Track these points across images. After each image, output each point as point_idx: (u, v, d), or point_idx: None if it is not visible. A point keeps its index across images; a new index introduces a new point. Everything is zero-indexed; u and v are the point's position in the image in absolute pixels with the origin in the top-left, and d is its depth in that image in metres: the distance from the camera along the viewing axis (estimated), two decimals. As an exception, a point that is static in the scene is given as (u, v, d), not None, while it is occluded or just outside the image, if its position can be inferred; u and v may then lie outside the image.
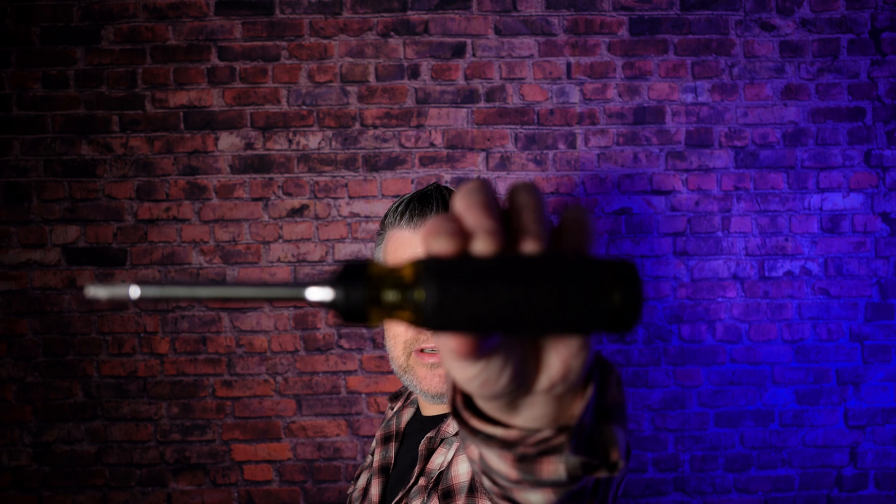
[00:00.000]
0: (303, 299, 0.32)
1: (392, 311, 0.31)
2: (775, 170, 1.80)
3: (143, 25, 1.75)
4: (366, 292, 0.31)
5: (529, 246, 0.31)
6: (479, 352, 0.31)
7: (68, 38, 1.75)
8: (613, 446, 0.42)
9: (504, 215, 0.33)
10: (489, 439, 0.38)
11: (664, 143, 1.79)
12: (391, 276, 0.32)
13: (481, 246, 0.30)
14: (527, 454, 0.39)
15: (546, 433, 0.37)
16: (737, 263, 1.81)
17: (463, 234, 0.31)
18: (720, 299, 1.81)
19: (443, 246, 0.30)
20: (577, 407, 0.38)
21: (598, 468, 0.41)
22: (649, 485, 1.81)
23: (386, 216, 0.89)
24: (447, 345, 0.31)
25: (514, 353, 0.34)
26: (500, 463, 0.41)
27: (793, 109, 1.80)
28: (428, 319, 0.30)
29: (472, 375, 0.33)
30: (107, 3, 1.75)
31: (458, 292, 0.30)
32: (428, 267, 0.30)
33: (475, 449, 0.44)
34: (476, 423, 0.39)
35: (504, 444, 0.38)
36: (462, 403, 0.40)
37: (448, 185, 1.76)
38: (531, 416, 0.37)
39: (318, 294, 0.32)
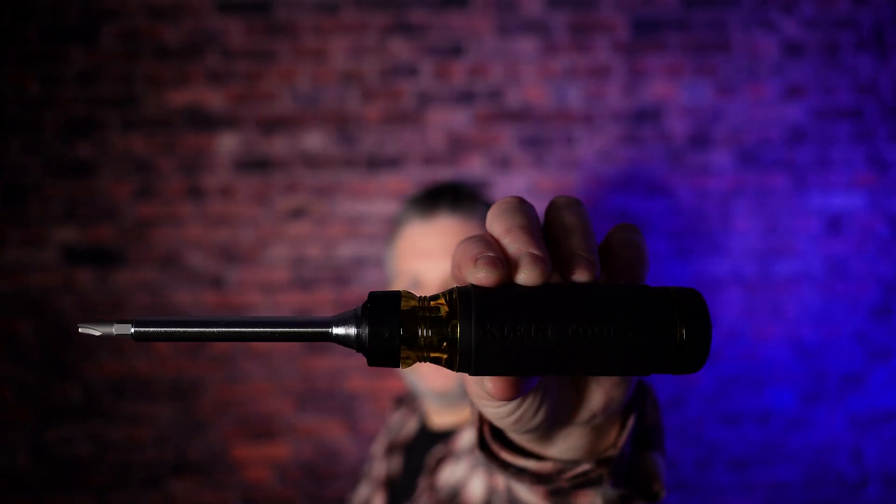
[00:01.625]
0: (328, 338, 0.28)
1: (426, 352, 0.27)
2: (776, 170, 1.80)
3: (143, 25, 1.75)
4: (397, 330, 0.27)
5: (580, 275, 0.27)
6: (520, 394, 0.27)
7: (67, 37, 1.75)
8: (654, 477, 0.38)
9: (546, 237, 0.29)
10: (521, 472, 0.35)
11: (664, 143, 1.79)
12: (425, 311, 0.27)
13: (526, 276, 0.26)
14: (561, 488, 0.35)
15: (585, 467, 0.34)
16: (737, 263, 1.81)
17: (504, 262, 0.26)
18: (720, 299, 1.81)
19: (482, 276, 0.26)
20: (617, 437, 0.34)
21: (636, 499, 0.37)
22: (649, 485, 1.81)
23: (398, 217, 0.88)
24: (485, 387, 0.27)
25: (552, 388, 0.30)
26: (530, 496, 0.37)
27: (794, 109, 1.80)
28: (465, 362, 0.26)
29: (506, 413, 0.30)
30: (106, 3, 1.74)
31: (501, 332, 0.25)
32: (465, 301, 0.26)
33: (502, 480, 0.40)
34: (507, 457, 0.35)
35: (538, 478, 0.34)
36: (490, 435, 0.36)
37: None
38: (566, 446, 0.34)
39: (344, 332, 0.27)
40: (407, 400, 1.02)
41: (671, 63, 1.79)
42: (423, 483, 0.78)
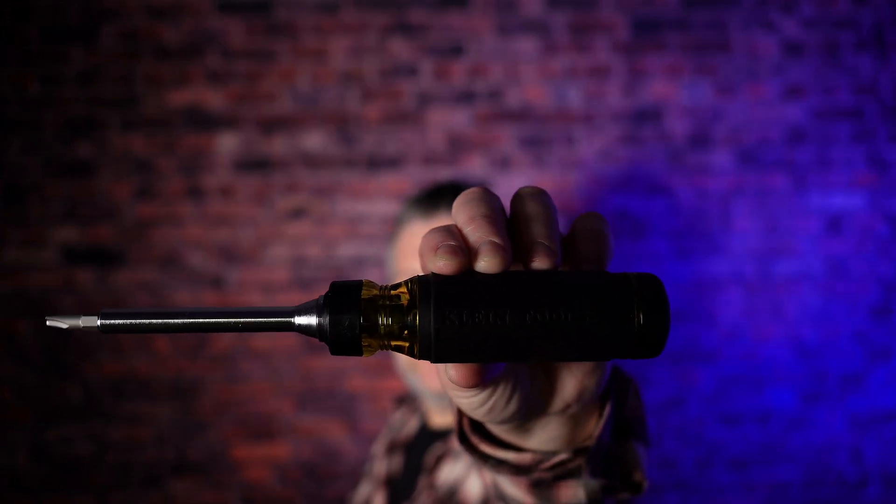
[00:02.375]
0: (290, 328, 0.28)
1: (387, 341, 0.28)
2: (776, 169, 1.80)
3: (143, 25, 1.75)
4: (358, 318, 0.27)
5: (539, 262, 0.27)
6: (483, 381, 0.28)
7: (67, 37, 1.75)
8: (635, 466, 0.39)
9: (510, 226, 0.29)
10: (501, 464, 0.35)
11: (664, 143, 1.79)
12: (386, 300, 0.28)
13: (486, 264, 0.26)
14: (542, 479, 0.35)
15: (562, 456, 0.34)
16: (737, 263, 1.81)
17: (465, 251, 0.27)
18: (720, 299, 1.81)
19: (442, 264, 0.26)
20: (595, 426, 0.35)
21: (619, 490, 0.38)
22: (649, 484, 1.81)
23: (398, 217, 0.88)
24: (448, 374, 0.28)
25: (523, 377, 0.31)
26: (514, 489, 0.37)
27: (794, 109, 1.80)
28: (425, 349, 0.26)
29: (478, 404, 0.30)
30: (106, 3, 1.74)
31: (459, 319, 0.26)
32: (424, 288, 0.27)
33: (488, 475, 0.40)
34: (486, 448, 0.35)
35: (517, 470, 0.35)
36: (469, 427, 0.36)
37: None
38: (545, 437, 0.34)
39: (306, 321, 0.28)
40: (408, 399, 1.02)
41: (671, 63, 1.79)
42: (422, 482, 0.78)
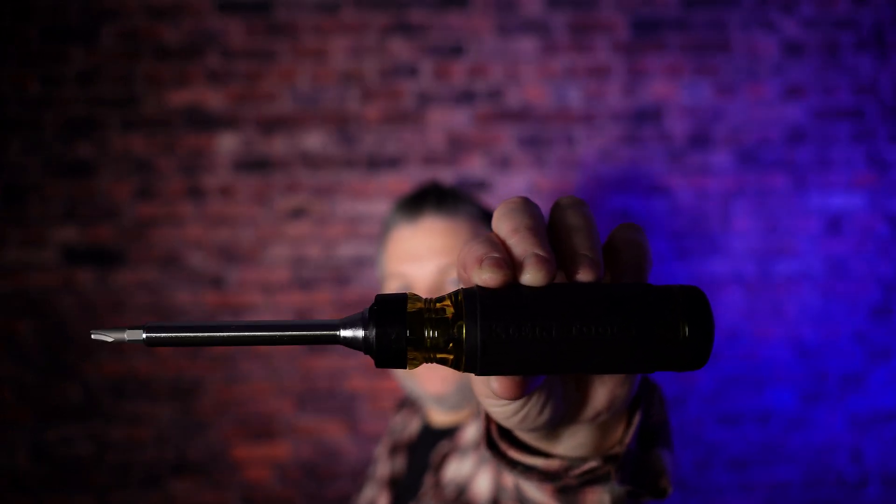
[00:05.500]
0: (336, 341, 0.28)
1: (433, 353, 0.28)
2: (775, 169, 1.80)
3: (143, 25, 1.75)
4: (404, 332, 0.27)
5: (584, 275, 0.27)
6: (525, 394, 0.28)
7: (67, 37, 1.75)
8: (661, 473, 0.38)
9: (551, 236, 0.29)
10: (529, 471, 0.35)
11: (664, 143, 1.79)
12: (431, 312, 0.28)
13: (531, 277, 0.26)
14: (568, 486, 0.35)
15: (592, 464, 0.34)
16: (737, 263, 1.81)
17: (509, 264, 0.27)
18: (720, 299, 1.81)
19: (487, 277, 0.26)
20: (623, 433, 0.35)
21: (644, 496, 0.38)
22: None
23: (386, 220, 0.89)
24: (491, 386, 0.28)
25: (556, 386, 0.31)
26: (538, 494, 0.38)
27: (794, 109, 1.80)
28: (471, 362, 0.26)
29: (512, 412, 0.30)
30: (106, 3, 1.74)
31: (506, 332, 0.26)
32: (470, 302, 0.27)
33: (510, 479, 0.40)
34: (514, 454, 0.35)
35: (545, 476, 0.35)
36: (498, 434, 0.36)
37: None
38: (573, 444, 0.34)
39: (352, 334, 0.28)
40: (408, 402, 1.02)
41: (671, 63, 1.79)
42: (428, 480, 0.77)
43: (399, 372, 0.84)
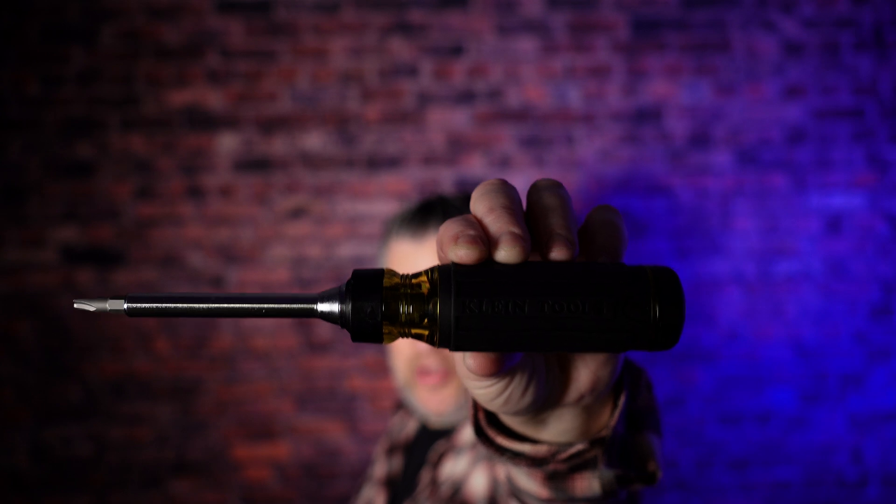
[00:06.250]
0: (313, 315, 0.29)
1: (408, 328, 0.28)
2: (775, 169, 1.80)
3: (143, 25, 1.75)
4: (380, 306, 0.28)
5: (558, 253, 0.27)
6: (501, 371, 0.28)
7: (67, 37, 1.75)
8: (650, 456, 0.39)
9: (527, 217, 0.29)
10: (517, 457, 0.35)
11: (664, 142, 1.79)
12: (407, 288, 0.28)
13: (506, 254, 0.27)
14: (558, 471, 0.36)
15: (578, 447, 0.34)
16: (737, 263, 1.81)
17: (484, 240, 0.27)
18: (720, 299, 1.81)
19: (462, 254, 0.27)
20: (609, 417, 0.35)
21: (633, 480, 0.38)
22: (649, 485, 1.81)
23: (388, 226, 0.87)
24: (466, 363, 0.28)
25: (539, 368, 0.31)
26: (529, 482, 0.38)
27: (793, 109, 1.80)
28: (445, 337, 0.27)
29: (495, 394, 0.30)
30: (106, 3, 1.74)
31: (479, 308, 0.26)
32: (445, 277, 0.27)
33: (502, 470, 0.41)
34: (502, 441, 0.36)
35: (533, 462, 0.35)
36: (485, 420, 0.37)
37: (451, 191, 1.76)
38: (560, 429, 0.35)
39: (328, 308, 0.28)
40: (406, 403, 1.02)
41: (671, 63, 1.79)
42: (425, 478, 0.77)
43: (400, 382, 0.84)
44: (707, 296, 1.81)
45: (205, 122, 1.76)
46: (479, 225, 0.28)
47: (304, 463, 1.80)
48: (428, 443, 0.84)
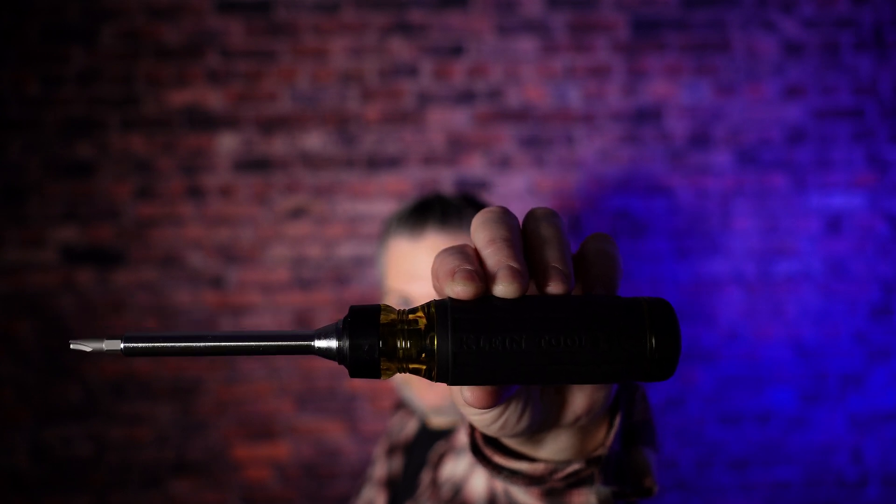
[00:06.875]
0: (310, 351, 0.29)
1: (405, 363, 0.28)
2: (775, 169, 1.80)
3: (143, 25, 1.75)
4: (377, 343, 0.28)
5: (554, 287, 0.28)
6: (498, 403, 0.28)
7: (67, 37, 1.75)
8: (645, 472, 0.39)
9: (524, 247, 0.29)
10: (514, 475, 0.36)
11: (664, 143, 1.79)
12: (404, 324, 0.28)
13: (503, 289, 0.27)
14: (555, 488, 0.36)
15: (575, 466, 0.35)
16: (737, 263, 1.81)
17: (481, 276, 0.27)
18: (720, 299, 1.81)
19: (460, 290, 0.27)
20: (605, 435, 0.35)
21: (630, 495, 0.38)
22: (649, 485, 1.81)
23: (387, 224, 0.88)
24: (463, 395, 0.28)
25: (534, 393, 0.31)
26: (526, 498, 0.38)
27: (793, 109, 1.80)
28: (443, 373, 0.27)
29: (490, 421, 0.31)
30: (106, 3, 1.74)
31: (476, 344, 0.26)
32: (442, 314, 0.27)
33: (500, 484, 0.41)
34: (499, 460, 0.36)
35: (531, 480, 0.35)
36: (482, 440, 0.37)
37: (449, 189, 1.76)
38: (556, 448, 0.35)
39: (326, 345, 0.29)
40: (405, 403, 1.02)
41: (671, 63, 1.79)
42: (425, 478, 0.77)
43: (397, 380, 0.84)
44: (707, 296, 1.81)
45: (205, 122, 1.76)
46: (475, 258, 0.28)
47: (304, 463, 1.80)
48: (428, 443, 0.84)
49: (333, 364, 1.78)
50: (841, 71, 1.80)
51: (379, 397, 1.79)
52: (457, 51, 1.77)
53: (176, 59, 1.75)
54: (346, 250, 1.78)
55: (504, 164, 1.78)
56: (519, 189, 1.78)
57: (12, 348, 1.77)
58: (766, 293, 1.81)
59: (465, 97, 1.77)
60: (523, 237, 0.30)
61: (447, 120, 1.77)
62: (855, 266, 1.82)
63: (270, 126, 1.77)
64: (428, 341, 0.28)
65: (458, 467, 0.72)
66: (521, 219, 0.31)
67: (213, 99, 1.76)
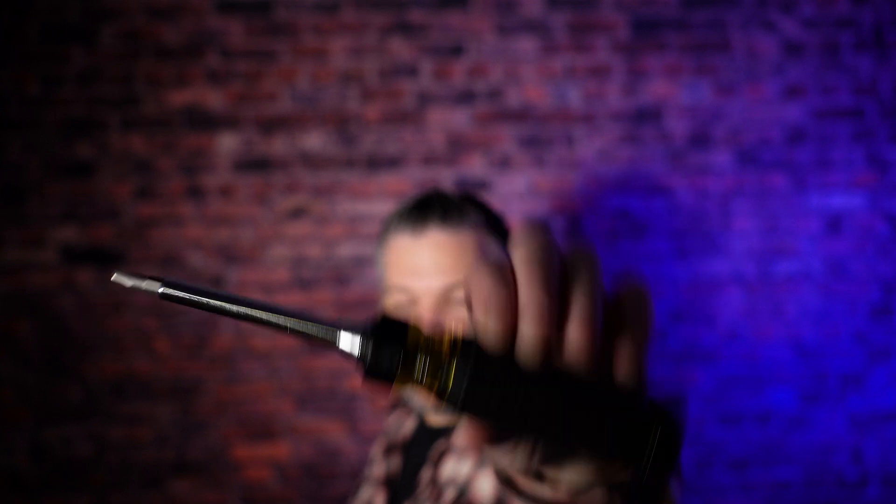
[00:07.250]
0: (334, 343, 0.30)
1: (419, 380, 0.29)
2: (775, 169, 1.80)
3: (143, 25, 1.75)
4: (399, 354, 0.29)
5: (576, 367, 0.28)
6: (492, 443, 0.29)
7: (67, 37, 1.75)
8: (666, 495, 0.40)
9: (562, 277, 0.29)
10: (535, 501, 0.36)
11: (664, 143, 1.79)
12: (428, 345, 0.29)
13: (527, 328, 0.27)
14: None
15: (598, 494, 0.35)
16: (737, 263, 1.81)
17: (514, 311, 0.28)
18: (720, 299, 1.81)
19: (492, 324, 0.28)
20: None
21: None
22: (649, 485, 1.81)
23: (387, 222, 0.88)
24: (461, 430, 0.29)
25: None
26: None
27: (793, 109, 1.80)
28: (452, 402, 0.28)
29: (498, 458, 0.31)
30: (106, 3, 1.74)
31: (490, 384, 0.28)
32: (464, 360, 0.28)
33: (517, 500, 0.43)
34: (521, 484, 0.37)
35: None
36: None
37: (449, 188, 1.76)
38: (578, 469, 0.35)
39: (349, 342, 0.29)
40: (402, 402, 1.01)
41: (671, 63, 1.79)
42: (425, 476, 0.77)
43: None
44: (707, 296, 1.81)
45: (205, 122, 1.76)
46: (513, 289, 0.28)
47: (304, 463, 1.80)
48: (427, 441, 0.84)
49: (334, 364, 1.78)
50: (841, 71, 1.80)
51: (379, 397, 1.79)
52: (457, 51, 1.77)
53: (176, 59, 1.75)
54: (346, 250, 1.78)
55: (504, 164, 1.78)
56: (519, 189, 1.78)
57: (12, 348, 1.77)
58: (766, 293, 1.81)
59: (465, 97, 1.77)
60: (567, 283, 0.29)
61: (447, 120, 1.77)
62: (855, 266, 1.81)
63: (270, 126, 1.77)
64: (443, 374, 0.29)
65: (462, 468, 0.71)
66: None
67: (213, 99, 1.76)
